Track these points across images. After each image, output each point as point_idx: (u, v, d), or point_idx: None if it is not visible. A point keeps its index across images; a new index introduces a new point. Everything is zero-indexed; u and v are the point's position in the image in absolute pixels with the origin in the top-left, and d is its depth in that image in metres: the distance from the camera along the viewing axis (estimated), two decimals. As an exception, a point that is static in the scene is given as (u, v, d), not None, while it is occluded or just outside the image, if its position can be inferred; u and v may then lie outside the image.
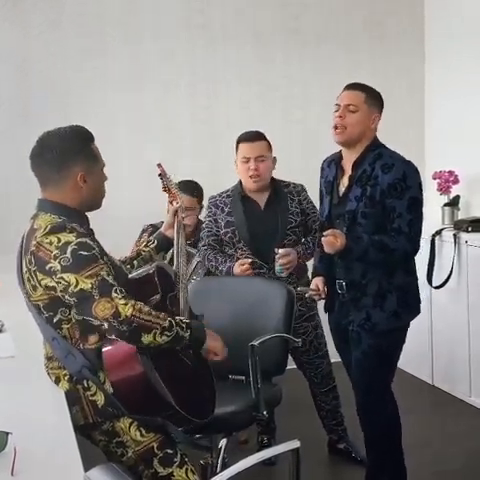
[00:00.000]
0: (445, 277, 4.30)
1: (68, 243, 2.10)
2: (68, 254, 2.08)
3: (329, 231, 2.82)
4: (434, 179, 4.77)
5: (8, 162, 4.38)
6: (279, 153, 3.61)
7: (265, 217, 3.53)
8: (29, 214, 2.27)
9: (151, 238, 2.64)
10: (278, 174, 3.61)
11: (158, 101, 4.77)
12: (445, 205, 4.72)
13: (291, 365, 3.37)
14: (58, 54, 4.58)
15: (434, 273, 4.38)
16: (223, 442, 2.92)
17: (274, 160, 3.55)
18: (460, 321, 4.27)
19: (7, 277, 2.61)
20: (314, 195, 3.51)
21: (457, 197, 4.73)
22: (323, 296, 3.10)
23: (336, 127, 2.90)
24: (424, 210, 2.93)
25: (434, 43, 5.12)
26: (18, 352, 2.57)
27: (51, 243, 2.10)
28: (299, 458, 2.14)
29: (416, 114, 5.23)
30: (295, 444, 2.11)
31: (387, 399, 3.05)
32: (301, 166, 4.49)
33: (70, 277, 2.07)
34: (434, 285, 4.36)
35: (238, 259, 3.48)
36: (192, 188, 3.93)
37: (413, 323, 3.02)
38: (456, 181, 4.72)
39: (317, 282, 3.11)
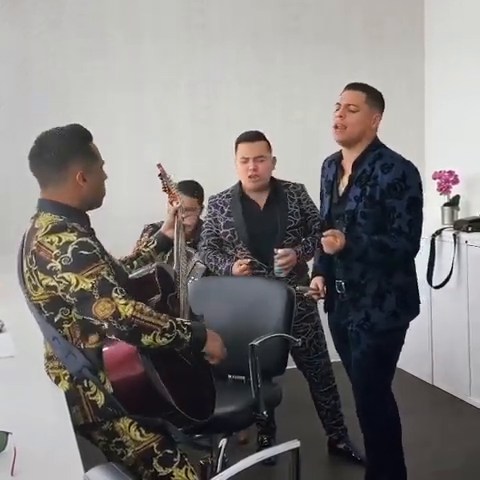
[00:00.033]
0: (445, 277, 4.30)
1: (69, 242, 2.10)
2: (69, 253, 2.08)
3: (329, 231, 2.82)
4: (434, 179, 4.77)
5: (8, 162, 4.39)
6: (279, 153, 3.61)
7: (264, 217, 3.53)
8: (29, 214, 2.27)
9: (151, 238, 2.64)
10: (278, 174, 3.61)
11: (158, 101, 4.78)
12: (445, 205, 4.72)
13: (291, 365, 3.37)
14: (58, 54, 4.58)
15: (434, 273, 4.39)
16: (223, 442, 2.92)
17: (274, 160, 3.55)
18: (460, 321, 4.27)
19: (7, 277, 2.61)
20: (314, 195, 3.51)
21: (457, 197, 4.73)
22: (322, 296, 3.10)
23: (336, 126, 2.90)
24: (424, 210, 2.93)
25: (434, 43, 5.12)
26: (18, 352, 2.57)
27: (52, 242, 2.10)
28: (299, 458, 2.14)
29: (416, 114, 5.24)
30: (295, 444, 2.12)
31: (387, 399, 3.05)
32: (301, 166, 4.49)
33: (71, 276, 2.08)
34: (434, 285, 4.36)
35: (237, 259, 3.48)
36: (192, 188, 3.93)
37: (413, 323, 3.02)
38: (456, 181, 4.72)
39: (317, 282, 3.11)
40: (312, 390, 3.68)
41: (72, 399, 2.16)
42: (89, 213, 2.32)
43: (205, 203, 3.88)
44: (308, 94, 5.00)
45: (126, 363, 2.15)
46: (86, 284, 2.07)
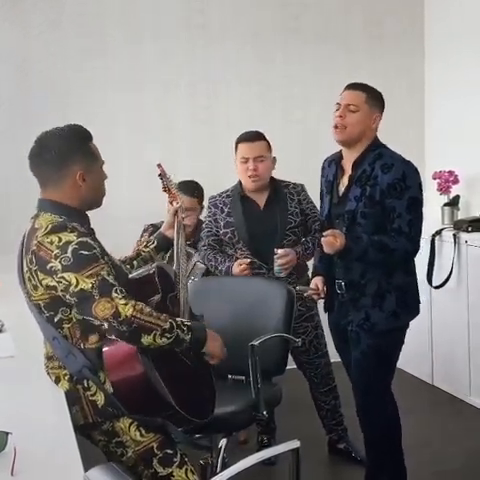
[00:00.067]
0: (445, 277, 4.30)
1: (69, 242, 2.10)
2: (69, 253, 2.08)
3: (329, 231, 2.82)
4: (434, 179, 4.78)
5: (8, 162, 4.39)
6: (279, 153, 3.61)
7: (264, 217, 3.53)
8: (29, 214, 2.27)
9: (151, 238, 2.64)
10: (278, 174, 3.61)
11: (158, 101, 4.78)
12: (445, 205, 4.72)
13: (291, 365, 3.37)
14: (58, 54, 4.58)
15: (434, 273, 4.39)
16: (223, 442, 2.92)
17: (274, 160, 3.55)
18: (460, 321, 4.27)
19: (7, 277, 2.61)
20: (314, 195, 3.51)
21: (457, 197, 4.73)
22: (322, 296, 3.10)
23: (336, 126, 2.90)
24: (424, 210, 2.93)
25: (434, 43, 5.12)
26: (18, 352, 2.57)
27: (52, 242, 2.10)
28: (299, 458, 2.15)
29: (416, 114, 5.24)
30: (295, 444, 2.12)
31: (387, 399, 3.04)
32: (301, 166, 4.49)
33: (71, 276, 2.08)
34: (434, 285, 4.36)
35: (237, 259, 3.48)
36: (192, 188, 3.93)
37: (413, 323, 3.02)
38: (456, 181, 4.72)
39: (317, 281, 3.11)
40: (312, 390, 3.68)
41: (72, 399, 2.16)
42: (89, 213, 2.32)
43: (205, 203, 3.88)
44: (308, 94, 5.00)
45: (126, 363, 2.15)
46: (86, 284, 2.07)
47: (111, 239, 2.60)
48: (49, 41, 4.56)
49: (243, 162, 3.48)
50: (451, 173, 4.72)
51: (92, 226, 2.31)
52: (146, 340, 2.09)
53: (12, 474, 1.65)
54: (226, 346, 2.36)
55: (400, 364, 3.14)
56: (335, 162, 3.05)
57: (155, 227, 3.80)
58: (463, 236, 4.27)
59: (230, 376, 3.06)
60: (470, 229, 4.29)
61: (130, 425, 2.18)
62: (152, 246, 2.60)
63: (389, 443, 3.08)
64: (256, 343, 2.85)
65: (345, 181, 2.97)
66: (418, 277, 3.05)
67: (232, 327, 2.98)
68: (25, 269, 2.18)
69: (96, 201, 2.31)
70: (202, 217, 3.90)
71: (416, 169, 2.90)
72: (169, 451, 2.19)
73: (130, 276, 2.39)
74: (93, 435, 2.22)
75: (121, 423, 2.18)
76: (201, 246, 3.63)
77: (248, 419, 2.94)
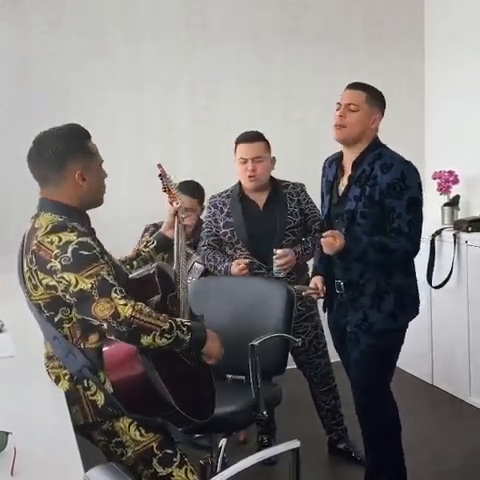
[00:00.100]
0: (445, 277, 4.30)
1: (69, 242, 2.10)
2: (69, 253, 2.08)
3: (328, 232, 2.82)
4: (434, 179, 4.78)
5: (8, 162, 4.38)
6: (279, 153, 3.61)
7: (264, 217, 3.53)
8: (29, 214, 2.27)
9: (151, 238, 2.64)
10: (278, 174, 3.61)
11: (158, 101, 4.77)
12: (445, 205, 4.72)
13: (291, 365, 3.37)
14: (58, 54, 4.58)
15: (434, 273, 4.39)
16: (223, 442, 2.92)
17: (273, 160, 3.55)
18: (460, 321, 4.28)
19: (7, 277, 2.61)
20: (314, 195, 3.52)
21: (457, 197, 4.74)
22: (321, 295, 3.10)
23: (336, 126, 2.90)
24: (424, 210, 2.92)
25: (434, 43, 5.12)
26: (18, 352, 2.57)
27: (52, 242, 2.10)
28: (299, 458, 2.15)
29: (416, 114, 5.24)
30: (295, 444, 2.12)
31: (386, 399, 3.04)
32: (301, 166, 4.48)
33: (70, 276, 2.08)
34: (434, 285, 4.37)
35: (236, 259, 3.48)
36: (193, 189, 3.92)
37: (413, 323, 3.01)
38: (456, 181, 4.73)
39: (316, 281, 3.11)
40: (312, 390, 3.68)
41: (72, 399, 2.16)
42: (90, 212, 2.32)
43: (206, 203, 3.88)
44: (308, 94, 5.00)
45: (126, 363, 2.15)
46: (85, 284, 2.07)
47: (111, 239, 2.60)
48: (49, 41, 4.56)
49: (242, 162, 3.49)
50: (451, 173, 4.72)
51: (92, 226, 2.31)
52: (145, 340, 2.09)
53: (12, 474, 1.65)
54: (226, 346, 2.36)
55: (400, 364, 3.14)
56: (336, 162, 3.05)
57: (157, 227, 3.80)
58: (463, 236, 4.28)
59: (229, 376, 3.06)
60: (470, 229, 4.29)
61: (130, 425, 2.18)
62: (152, 246, 2.61)
63: (389, 443, 3.08)
64: (256, 343, 2.85)
65: (345, 181, 2.97)
66: (418, 277, 3.05)
67: (232, 327, 2.98)
68: (25, 269, 2.18)
69: (96, 200, 2.31)
70: (202, 217, 3.90)
71: (416, 169, 2.90)
72: (169, 451, 2.19)
73: (130, 276, 2.39)
74: (93, 435, 2.22)
75: (121, 423, 2.18)
76: (201, 246, 3.63)
77: (248, 419, 2.94)
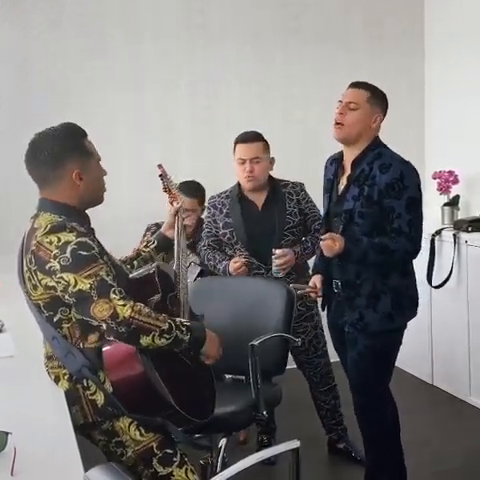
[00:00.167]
0: (445, 277, 4.30)
1: (68, 243, 2.10)
2: (68, 254, 2.08)
3: (327, 235, 2.81)
4: (434, 179, 4.78)
5: (8, 162, 4.37)
6: (279, 153, 3.61)
7: (262, 218, 3.53)
8: (29, 214, 2.27)
9: (151, 238, 2.64)
10: (277, 174, 3.61)
11: (158, 101, 4.77)
12: (445, 205, 4.72)
13: (291, 365, 3.37)
14: (58, 54, 4.58)
15: (434, 273, 4.39)
16: (223, 442, 2.92)
17: (272, 161, 3.55)
18: (460, 321, 4.28)
19: (7, 277, 2.61)
20: (314, 195, 3.52)
21: (457, 197, 4.73)
22: (319, 294, 3.10)
23: (336, 123, 2.90)
24: (424, 210, 2.92)
25: (434, 43, 5.12)
26: (18, 352, 2.57)
27: (51, 242, 2.10)
28: (299, 458, 2.15)
29: (416, 114, 5.24)
30: (295, 444, 2.12)
31: (385, 399, 3.04)
32: (301, 166, 4.49)
33: (69, 277, 2.07)
34: (434, 285, 4.37)
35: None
36: (194, 189, 3.91)
37: (413, 323, 3.01)
38: (456, 181, 4.73)
39: (315, 280, 3.11)
40: (312, 390, 3.68)
41: (72, 399, 2.16)
42: (89, 212, 2.32)
43: (206, 203, 3.88)
44: (308, 94, 5.00)
45: (126, 363, 2.15)
46: (84, 285, 2.07)
47: (111, 239, 2.60)
48: (49, 41, 4.56)
49: (240, 163, 3.49)
50: (451, 173, 4.72)
51: (92, 226, 2.31)
52: (145, 341, 2.09)
53: (12, 474, 1.65)
54: (226, 346, 2.37)
55: (400, 364, 3.14)
56: (336, 161, 3.05)
57: (158, 227, 3.78)
58: (463, 236, 4.28)
59: (229, 376, 3.07)
60: (470, 229, 4.29)
61: (130, 425, 2.18)
62: (152, 246, 2.60)
63: (388, 443, 3.08)
64: (256, 343, 2.85)
65: (344, 180, 2.97)
66: (418, 277, 3.05)
67: (232, 327, 2.98)
68: (25, 269, 2.18)
69: (96, 198, 2.30)
70: (203, 217, 3.89)
71: (414, 169, 2.89)
72: (169, 451, 2.19)
73: (130, 276, 2.39)
74: (93, 435, 2.22)
75: (121, 423, 2.18)
76: (201, 246, 3.63)
77: (248, 419, 2.94)
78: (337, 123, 2.89)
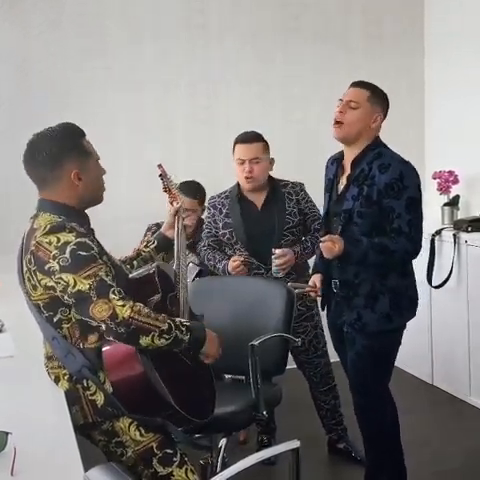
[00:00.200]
0: (445, 277, 4.30)
1: (67, 243, 2.10)
2: (67, 254, 2.08)
3: (326, 237, 2.81)
4: (434, 179, 4.78)
5: (8, 162, 4.36)
6: (278, 153, 3.61)
7: (262, 218, 3.53)
8: (29, 214, 2.27)
9: (151, 238, 2.64)
10: (277, 174, 3.61)
11: (158, 101, 4.77)
12: (445, 205, 4.72)
13: (291, 365, 3.37)
14: (58, 54, 4.58)
15: (434, 273, 4.39)
16: (223, 442, 2.92)
17: (272, 161, 3.55)
18: (460, 321, 4.28)
19: (7, 277, 2.61)
20: (313, 195, 3.52)
21: (457, 197, 4.74)
22: (319, 293, 3.10)
23: (335, 121, 2.89)
24: (424, 210, 2.92)
25: (434, 43, 5.12)
26: (18, 352, 2.57)
27: (50, 243, 2.10)
28: (299, 458, 2.15)
29: (416, 114, 5.24)
30: (295, 444, 2.12)
31: (384, 399, 3.04)
32: (300, 166, 4.49)
33: (68, 277, 2.07)
34: (434, 285, 4.37)
35: (234, 258, 3.49)
36: (194, 189, 3.91)
37: (412, 323, 3.01)
38: (456, 181, 4.73)
39: (315, 279, 3.12)
40: (312, 390, 3.68)
41: (72, 399, 2.16)
42: (89, 212, 2.31)
43: (206, 204, 3.88)
44: (308, 94, 5.00)
45: (126, 363, 2.15)
46: (83, 285, 2.06)
47: (111, 239, 2.60)
48: (49, 41, 4.56)
49: (240, 163, 3.49)
50: (451, 173, 4.72)
51: (92, 226, 2.31)
52: (144, 341, 2.08)
53: (12, 474, 1.65)
54: (226, 346, 2.36)
55: (400, 364, 3.14)
56: (337, 161, 3.04)
57: (159, 227, 3.77)
58: (463, 236, 4.28)
59: (229, 376, 3.07)
60: (470, 229, 4.29)
61: (130, 425, 2.18)
62: (152, 246, 2.60)
63: (388, 443, 3.08)
64: (256, 343, 2.85)
65: (344, 180, 2.97)
66: (418, 277, 3.04)
67: (232, 327, 2.98)
68: (25, 269, 2.18)
69: (96, 197, 2.30)
70: (204, 217, 3.89)
71: (414, 169, 2.88)
72: (169, 451, 2.19)
73: (130, 276, 2.39)
74: (93, 435, 2.22)
75: (121, 423, 2.18)
76: (201, 246, 3.64)
77: (248, 419, 2.94)
78: (337, 122, 2.89)
